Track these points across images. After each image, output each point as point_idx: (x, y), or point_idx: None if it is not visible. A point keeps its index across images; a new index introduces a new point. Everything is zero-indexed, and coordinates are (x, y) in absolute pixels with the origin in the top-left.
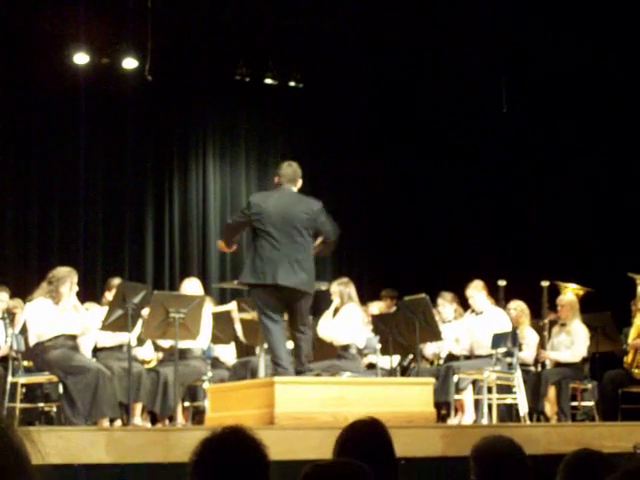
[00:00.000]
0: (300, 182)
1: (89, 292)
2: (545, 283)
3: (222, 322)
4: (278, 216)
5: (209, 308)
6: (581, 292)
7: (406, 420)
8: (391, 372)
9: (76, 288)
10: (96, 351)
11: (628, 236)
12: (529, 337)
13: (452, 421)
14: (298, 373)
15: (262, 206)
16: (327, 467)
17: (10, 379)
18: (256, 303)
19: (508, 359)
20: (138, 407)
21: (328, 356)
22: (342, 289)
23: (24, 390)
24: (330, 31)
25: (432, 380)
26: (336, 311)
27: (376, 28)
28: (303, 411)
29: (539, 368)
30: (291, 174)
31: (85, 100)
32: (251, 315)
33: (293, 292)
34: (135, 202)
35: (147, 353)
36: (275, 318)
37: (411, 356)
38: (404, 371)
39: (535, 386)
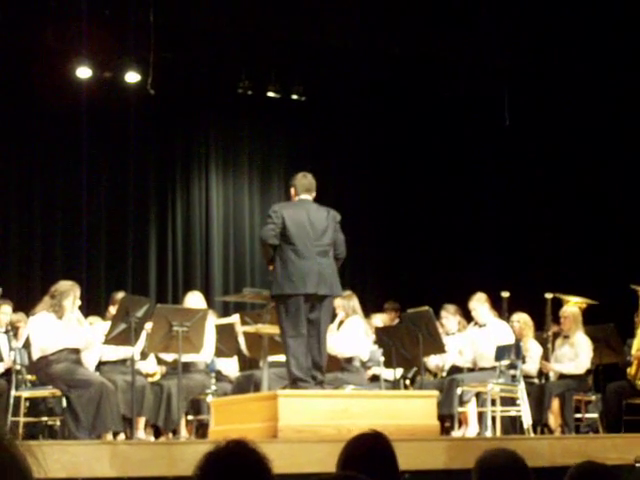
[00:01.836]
0: (314, 193)
1: (92, 306)
2: (549, 295)
3: (225, 335)
4: (304, 227)
5: (212, 321)
6: (583, 305)
7: (410, 433)
8: (395, 384)
9: (79, 302)
10: (100, 365)
11: (631, 248)
12: (532, 349)
13: (456, 434)
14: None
15: (286, 217)
16: None
17: (13, 393)
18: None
19: (512, 371)
20: (142, 421)
21: (332, 369)
22: (345, 302)
23: (28, 404)
24: (332, 44)
25: (436, 393)
26: (340, 324)
27: (378, 41)
28: (307, 424)
29: (543, 380)
30: (307, 185)
31: (88, 114)
32: (254, 328)
33: (321, 299)
34: (138, 215)
35: (150, 367)
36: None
37: (415, 369)
38: (411, 383)
39: (539, 398)
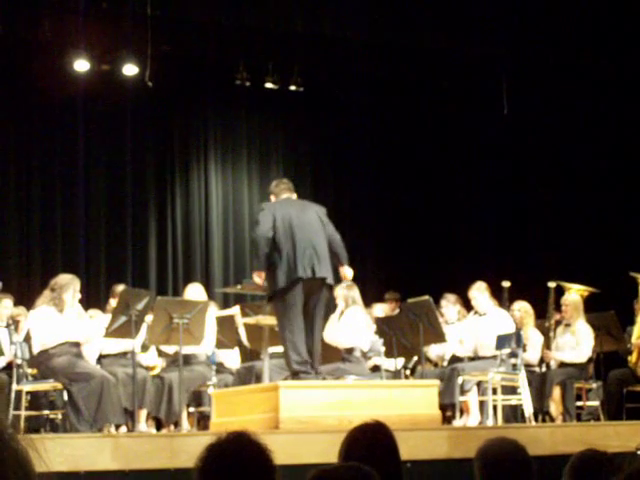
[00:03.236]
0: (294, 193)
1: (93, 299)
2: (552, 284)
3: (225, 327)
4: (298, 220)
5: (213, 313)
6: (585, 293)
7: (411, 422)
8: (396, 374)
9: (79, 295)
10: (100, 358)
11: (631, 236)
12: (533, 338)
13: (457, 423)
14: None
15: (289, 215)
16: (332, 471)
17: (15, 387)
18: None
19: (512, 360)
20: (143, 413)
21: (332, 359)
22: (346, 292)
23: (29, 398)
24: (330, 35)
25: (437, 382)
26: (341, 315)
27: (376, 31)
28: (308, 415)
29: (544, 368)
30: (285, 187)
31: (86, 107)
32: (255, 319)
33: (320, 283)
34: (137, 208)
35: (151, 359)
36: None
37: (416, 358)
38: (412, 373)
39: (540, 386)
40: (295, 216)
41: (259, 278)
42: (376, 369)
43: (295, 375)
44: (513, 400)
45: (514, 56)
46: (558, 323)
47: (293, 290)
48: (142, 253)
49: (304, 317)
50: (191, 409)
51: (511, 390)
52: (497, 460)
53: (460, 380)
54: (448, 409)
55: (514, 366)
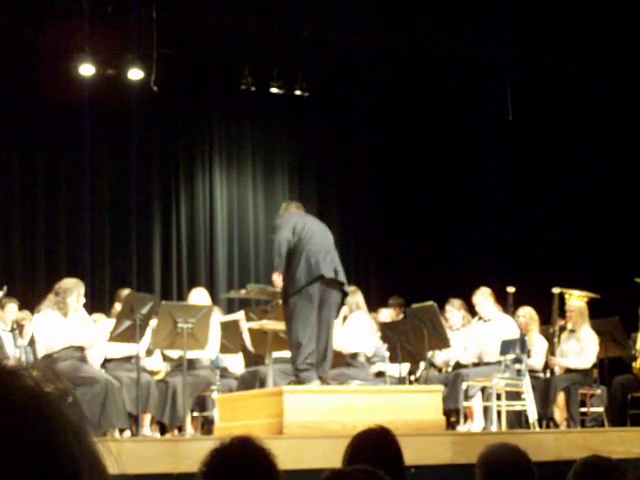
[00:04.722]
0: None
1: (97, 303)
2: (556, 290)
3: (230, 331)
4: (315, 230)
5: (217, 318)
6: (585, 298)
7: (415, 428)
8: (400, 380)
9: (83, 299)
10: (105, 362)
11: (636, 242)
12: (538, 344)
13: (461, 428)
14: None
15: (305, 223)
16: (345, 473)
17: None
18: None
19: (517, 366)
20: (147, 418)
21: (337, 365)
22: (350, 298)
23: None
24: (335, 39)
25: (441, 387)
26: (345, 320)
27: (381, 36)
28: (312, 420)
29: (548, 374)
30: (296, 205)
31: (91, 111)
32: (259, 324)
33: (339, 287)
34: (142, 212)
35: (155, 364)
36: None
37: (423, 365)
38: (416, 379)
39: (544, 392)
40: (312, 225)
41: (279, 277)
42: (380, 375)
43: (297, 373)
44: (517, 406)
45: (519, 61)
46: (562, 329)
47: (313, 287)
48: (147, 257)
49: (317, 318)
50: (195, 414)
51: (515, 396)
52: (499, 466)
53: (464, 386)
54: (452, 415)
55: (518, 372)
